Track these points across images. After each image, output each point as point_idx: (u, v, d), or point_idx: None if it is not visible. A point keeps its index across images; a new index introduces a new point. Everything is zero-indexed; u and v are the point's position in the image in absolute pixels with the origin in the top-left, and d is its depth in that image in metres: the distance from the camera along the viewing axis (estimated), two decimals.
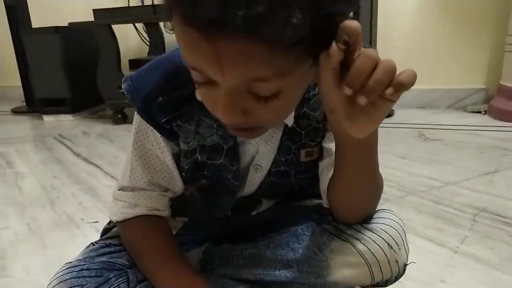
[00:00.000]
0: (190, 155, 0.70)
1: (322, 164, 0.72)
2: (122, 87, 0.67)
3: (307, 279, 0.70)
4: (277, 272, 0.72)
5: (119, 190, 0.72)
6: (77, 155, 1.92)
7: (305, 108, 0.67)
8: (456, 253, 0.97)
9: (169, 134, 0.68)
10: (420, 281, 0.85)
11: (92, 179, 1.59)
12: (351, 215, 0.69)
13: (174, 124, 0.67)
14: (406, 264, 0.70)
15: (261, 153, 0.70)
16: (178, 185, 0.73)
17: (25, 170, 1.75)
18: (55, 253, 1.05)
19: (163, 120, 0.66)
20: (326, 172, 0.71)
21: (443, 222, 1.12)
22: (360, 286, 0.75)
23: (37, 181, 1.60)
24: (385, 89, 0.45)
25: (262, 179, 0.73)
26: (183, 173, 0.72)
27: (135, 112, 0.67)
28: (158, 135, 0.68)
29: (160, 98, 0.64)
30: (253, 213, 0.81)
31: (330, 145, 0.70)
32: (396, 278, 0.71)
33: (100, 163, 1.78)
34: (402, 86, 0.45)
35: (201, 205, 0.79)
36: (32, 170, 1.75)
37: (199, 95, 0.57)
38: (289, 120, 0.66)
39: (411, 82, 0.45)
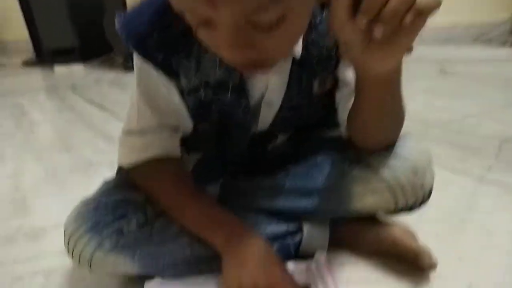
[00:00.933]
0: (193, 93, 0.65)
1: (339, 95, 0.68)
2: (116, 27, 0.63)
3: (328, 208, 0.68)
4: (297, 201, 0.70)
5: (126, 135, 0.69)
6: (90, 102, 1.91)
7: (313, 35, 0.61)
8: (481, 182, 0.94)
9: (169, 72, 0.63)
10: (444, 210, 0.83)
11: (107, 125, 1.58)
12: (373, 143, 0.66)
13: (173, 61, 0.62)
14: (431, 190, 0.67)
15: (270, 88, 0.65)
16: (187, 123, 0.70)
17: (40, 118, 1.75)
18: (75, 195, 1.03)
19: (161, 58, 0.62)
20: (344, 102, 0.67)
21: (467, 153, 1.08)
22: (381, 213, 0.74)
23: (52, 128, 1.60)
24: (403, 17, 0.40)
25: (275, 114, 0.70)
26: (189, 111, 0.68)
27: (134, 53, 0.63)
28: (161, 72, 0.64)
29: (155, 34, 0.60)
30: (269, 147, 0.78)
31: (345, 73, 0.65)
32: (421, 204, 0.69)
33: (113, 109, 1.76)
34: (422, 12, 0.40)
35: (214, 141, 0.76)
36: (47, 118, 1.75)
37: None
38: (297, 51, 0.61)
39: (432, 7, 0.40)
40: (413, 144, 0.66)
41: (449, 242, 0.73)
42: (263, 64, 0.50)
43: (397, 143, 0.66)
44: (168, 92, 0.65)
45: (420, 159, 0.65)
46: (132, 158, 0.68)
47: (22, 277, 0.75)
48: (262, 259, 0.60)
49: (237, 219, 0.65)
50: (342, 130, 0.70)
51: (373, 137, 0.65)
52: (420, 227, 0.71)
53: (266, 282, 0.57)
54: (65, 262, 0.66)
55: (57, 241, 0.65)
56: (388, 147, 0.65)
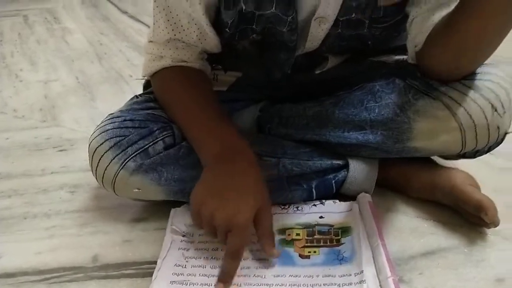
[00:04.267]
0: (232, 5, 0.56)
1: (415, 11, 0.55)
2: None
3: (382, 143, 0.59)
4: (346, 133, 0.61)
5: (148, 43, 0.64)
6: (124, 12, 1.80)
7: None
8: None
9: None
10: (510, 159, 0.72)
11: (140, 36, 1.49)
12: (452, 72, 0.55)
13: None
14: (507, 133, 0.57)
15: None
16: (212, 44, 0.62)
17: (72, 26, 1.67)
18: (104, 106, 1.01)
19: None
20: (420, 21, 0.54)
21: None
22: (442, 156, 0.64)
23: (84, 37, 1.53)
24: None
25: (327, 31, 0.59)
26: (227, 29, 0.59)
27: None
28: None
29: None
30: (317, 71, 0.68)
31: None
32: (490, 149, 0.59)
33: (147, 20, 1.65)
34: None
35: (255, 61, 0.67)
36: (79, 26, 1.67)
37: None
38: None
39: None
40: (496, 73, 0.55)
41: None
42: None
43: (477, 71, 0.55)
44: (191, 8, 0.56)
45: (502, 95, 0.53)
46: (148, 67, 0.64)
47: (48, 190, 0.73)
48: (237, 190, 0.51)
49: (238, 137, 0.57)
50: (410, 53, 0.58)
51: (455, 67, 0.54)
52: (479, 177, 0.62)
53: (224, 220, 0.49)
54: (91, 178, 0.62)
55: (84, 155, 0.61)
56: (465, 77, 0.54)
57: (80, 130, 0.91)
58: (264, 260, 0.54)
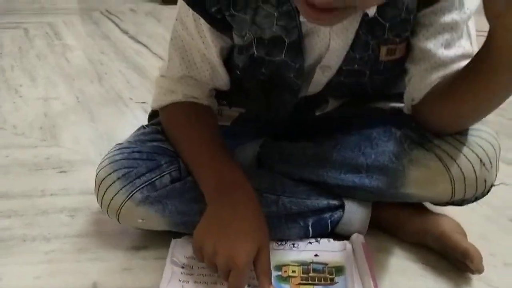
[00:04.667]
0: (245, 50, 0.60)
1: (414, 68, 0.59)
2: None
3: (376, 188, 0.62)
4: (343, 175, 0.64)
5: (160, 76, 0.67)
6: (125, 32, 1.83)
7: None
8: None
9: (220, 25, 0.58)
10: (494, 208, 0.76)
11: (140, 58, 1.52)
12: (447, 128, 0.59)
13: (227, 14, 0.57)
14: (492, 185, 0.61)
15: (332, 50, 0.58)
16: (222, 83, 0.66)
17: (73, 42, 1.69)
18: (104, 127, 1.03)
19: (214, 9, 0.56)
20: (419, 79, 0.58)
21: None
22: (432, 202, 0.68)
23: (85, 55, 1.55)
24: None
25: (330, 78, 0.63)
26: (238, 71, 0.63)
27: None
28: (205, 26, 0.58)
29: None
30: (317, 113, 0.72)
31: (428, 44, 0.56)
32: (476, 199, 0.63)
33: (147, 42, 1.69)
34: None
35: (260, 99, 0.70)
36: (80, 43, 1.69)
37: None
38: (372, 7, 0.53)
39: None
40: (485, 130, 0.59)
41: (496, 243, 0.67)
42: (341, 12, 0.42)
43: (468, 129, 0.59)
44: (207, 49, 0.61)
45: (490, 151, 0.58)
46: (158, 100, 0.67)
47: (47, 212, 0.74)
48: (239, 229, 0.53)
49: (239, 173, 0.59)
50: (406, 105, 0.62)
51: (452, 125, 0.58)
52: (466, 223, 0.65)
53: (225, 259, 0.51)
54: (92, 202, 0.64)
55: (83, 178, 0.63)
56: (458, 132, 0.58)
57: (80, 152, 0.92)
58: None
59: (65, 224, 0.71)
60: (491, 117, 0.56)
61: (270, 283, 0.54)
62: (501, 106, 0.52)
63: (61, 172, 0.85)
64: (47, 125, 1.04)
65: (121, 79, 1.34)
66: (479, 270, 0.58)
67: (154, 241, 0.66)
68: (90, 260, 0.63)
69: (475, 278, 0.60)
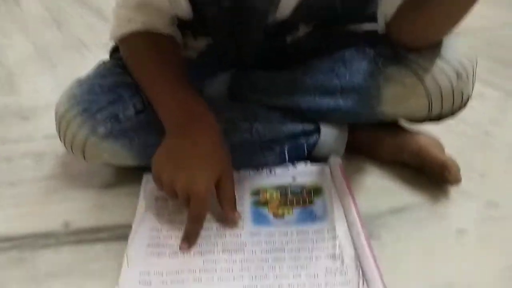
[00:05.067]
0: None
1: None
2: None
3: (352, 108, 0.61)
4: (317, 99, 0.62)
5: (116, 6, 0.61)
6: None
7: None
8: (510, 96, 0.87)
9: None
10: (470, 123, 0.76)
11: (101, 0, 1.43)
12: (420, 42, 0.57)
13: None
14: (469, 98, 0.60)
15: None
16: (183, 10, 0.60)
17: None
18: (66, 74, 0.96)
19: None
20: None
21: (499, 65, 0.99)
22: (409, 119, 0.67)
23: (40, 2, 1.45)
24: None
25: (298, 0, 0.59)
26: None
27: None
28: None
29: None
30: (288, 39, 0.68)
31: None
32: (453, 113, 0.62)
33: None
34: None
35: (226, 28, 0.66)
36: None
37: None
38: None
39: None
40: (460, 45, 0.57)
41: (472, 157, 0.67)
42: None
43: (443, 42, 0.57)
44: None
45: (466, 63, 0.56)
46: (118, 31, 0.61)
47: (11, 158, 0.70)
48: (197, 158, 0.51)
49: (201, 104, 0.55)
50: (380, 24, 0.59)
51: (425, 35, 0.56)
52: (443, 141, 0.65)
53: (183, 188, 0.49)
54: (57, 146, 0.60)
55: (47, 123, 0.59)
56: (432, 46, 0.56)
57: (41, 98, 0.87)
58: (240, 221, 0.54)
59: (30, 168, 0.68)
60: None
61: (234, 210, 0.53)
62: None
63: (22, 119, 0.81)
64: (3, 74, 0.98)
65: (81, 23, 1.26)
66: (457, 181, 0.58)
67: (126, 178, 0.63)
68: (59, 201, 0.61)
69: (453, 190, 0.60)
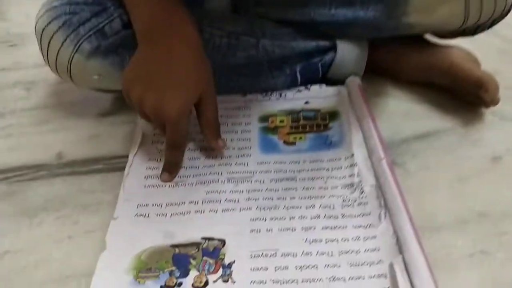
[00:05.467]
0: None
1: None
2: None
3: (373, 20, 0.52)
4: (332, 10, 0.54)
5: None
6: None
7: None
8: None
9: None
10: (509, 38, 0.66)
11: None
12: None
13: None
14: None
15: None
16: None
17: None
18: None
19: None
20: None
21: None
22: (439, 33, 0.58)
23: None
24: None
25: None
26: None
27: None
28: None
29: None
30: None
31: None
32: (493, 23, 0.53)
33: None
34: None
35: None
36: None
37: None
38: None
39: None
40: None
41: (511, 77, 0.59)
42: None
43: None
44: None
45: None
46: None
47: (1, 88, 0.65)
48: (170, 76, 0.43)
49: (181, 10, 0.46)
50: None
51: None
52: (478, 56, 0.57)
53: (153, 111, 0.42)
54: (49, 74, 0.55)
55: (37, 50, 0.52)
56: None
57: (31, 25, 0.79)
58: (246, 149, 0.49)
59: (21, 98, 0.62)
60: None
61: (217, 136, 0.47)
62: None
63: (11, 46, 0.75)
64: None
65: None
66: (494, 101, 0.51)
67: (123, 105, 0.56)
68: (52, 131, 0.56)
69: (488, 112, 0.53)
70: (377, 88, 0.59)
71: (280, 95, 0.56)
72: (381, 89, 0.59)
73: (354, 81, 0.56)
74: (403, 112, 0.55)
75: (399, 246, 0.36)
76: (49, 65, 0.52)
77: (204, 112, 0.45)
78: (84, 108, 0.59)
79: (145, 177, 0.46)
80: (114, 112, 0.57)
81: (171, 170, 0.46)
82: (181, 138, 0.45)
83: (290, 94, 0.56)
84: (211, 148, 0.48)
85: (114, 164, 0.50)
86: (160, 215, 0.42)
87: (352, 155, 0.46)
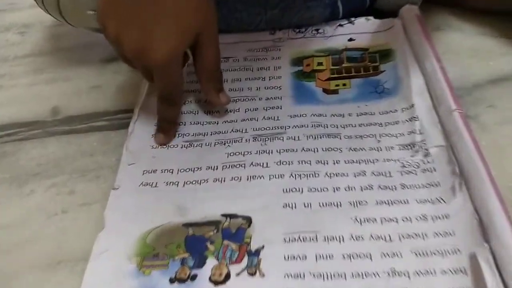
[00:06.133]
0: None
1: None
2: None
3: None
4: None
5: None
6: None
7: None
8: None
9: None
10: None
11: None
12: None
13: None
14: None
15: None
16: None
17: None
18: None
19: None
20: None
21: None
22: None
23: None
24: None
25: None
26: None
27: None
28: None
29: None
30: None
31: None
32: None
33: None
34: None
35: None
36: None
37: None
38: None
39: None
40: None
41: None
42: None
43: None
44: None
45: None
46: None
47: None
48: (156, 10, 0.31)
49: None
50: None
51: None
52: None
53: (133, 53, 0.32)
54: (46, 15, 0.46)
55: None
56: None
57: None
58: (276, 99, 0.40)
59: (14, 43, 0.54)
60: None
61: (217, 88, 0.37)
62: None
63: None
64: None
65: None
66: None
67: None
68: (47, 81, 0.48)
69: None
70: (439, 19, 0.47)
71: (317, 31, 0.45)
72: (442, 20, 0.47)
73: (411, 11, 0.44)
74: (472, 49, 0.44)
75: (483, 230, 0.27)
76: (36, 1, 0.43)
77: (203, 57, 0.35)
78: (84, 54, 0.50)
79: (152, 135, 0.38)
80: (119, 59, 0.48)
81: (165, 129, 0.37)
82: (174, 86, 0.35)
83: (329, 29, 0.45)
84: (211, 104, 0.38)
85: (119, 120, 0.41)
86: (171, 183, 0.34)
87: (412, 105, 0.36)
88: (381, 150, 0.34)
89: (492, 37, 0.45)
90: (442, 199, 0.30)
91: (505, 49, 0.43)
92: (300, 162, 0.34)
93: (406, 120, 0.36)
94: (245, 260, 0.28)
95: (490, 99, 0.39)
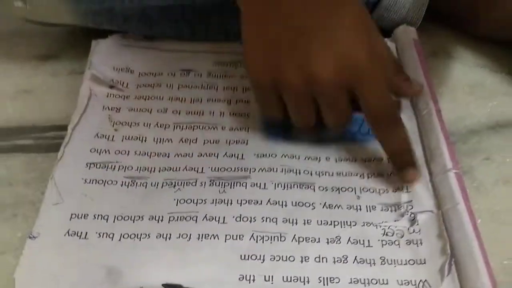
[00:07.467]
0: None
1: None
2: None
3: None
4: None
5: None
6: None
7: None
8: None
9: None
10: None
11: None
12: None
13: None
14: None
15: None
16: None
17: None
18: None
19: None
20: None
21: None
22: None
23: None
24: None
25: None
26: None
27: None
28: None
29: None
30: None
31: None
32: None
33: None
34: None
35: None
36: None
37: None
38: None
39: None
40: None
41: None
42: None
43: None
44: None
45: None
46: None
47: None
48: (316, 30, 0.27)
49: None
50: None
51: None
52: None
53: (299, 72, 0.27)
54: None
55: None
56: None
57: None
58: (242, 131, 0.33)
59: None
60: None
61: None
62: None
63: None
64: None
65: None
66: None
67: (70, 46, 0.41)
68: None
69: None
70: (437, 44, 0.41)
71: None
72: (441, 46, 0.42)
73: (408, 33, 0.38)
74: (471, 84, 0.38)
75: None
76: None
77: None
78: (14, 47, 0.41)
79: (87, 165, 0.31)
80: (58, 56, 0.40)
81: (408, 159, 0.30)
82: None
83: None
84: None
85: (50, 140, 0.34)
86: (104, 235, 0.27)
87: None
88: (360, 209, 0.29)
89: (494, 72, 0.39)
90: (427, 283, 0.25)
91: (508, 88, 0.38)
92: (264, 219, 0.28)
93: (392, 173, 0.30)
94: None
95: (488, 149, 0.34)
